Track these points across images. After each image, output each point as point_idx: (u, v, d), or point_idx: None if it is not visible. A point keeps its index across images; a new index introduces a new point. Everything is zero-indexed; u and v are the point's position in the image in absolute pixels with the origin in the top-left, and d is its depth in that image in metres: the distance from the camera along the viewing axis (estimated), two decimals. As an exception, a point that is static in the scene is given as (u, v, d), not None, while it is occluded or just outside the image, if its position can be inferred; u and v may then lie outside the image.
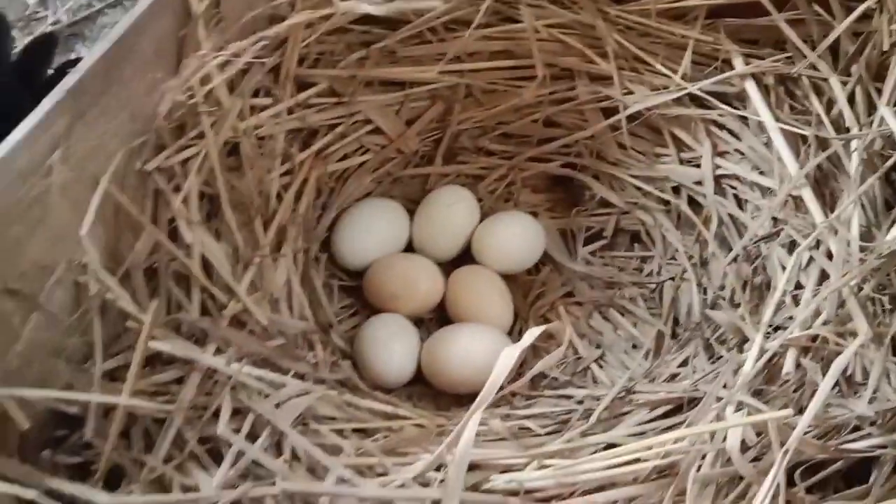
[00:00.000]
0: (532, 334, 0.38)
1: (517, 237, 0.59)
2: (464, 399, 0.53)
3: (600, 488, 0.38)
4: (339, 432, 0.42)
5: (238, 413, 0.41)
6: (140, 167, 0.45)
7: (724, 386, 0.42)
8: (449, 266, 0.60)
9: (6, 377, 0.36)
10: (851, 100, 0.51)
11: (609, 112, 0.59)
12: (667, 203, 0.58)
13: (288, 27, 0.46)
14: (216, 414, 0.40)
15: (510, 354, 0.37)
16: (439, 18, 0.56)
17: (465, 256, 0.60)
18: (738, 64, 0.55)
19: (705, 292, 0.53)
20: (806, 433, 0.37)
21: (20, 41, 0.75)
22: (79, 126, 0.40)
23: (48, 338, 0.39)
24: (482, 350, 0.52)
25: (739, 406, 0.39)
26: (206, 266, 0.47)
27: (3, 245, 0.37)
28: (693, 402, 0.43)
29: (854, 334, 0.41)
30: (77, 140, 0.40)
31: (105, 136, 0.42)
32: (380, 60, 0.57)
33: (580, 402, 0.47)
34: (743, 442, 0.38)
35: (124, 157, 0.43)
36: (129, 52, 0.43)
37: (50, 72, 0.65)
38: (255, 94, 0.52)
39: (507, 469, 0.39)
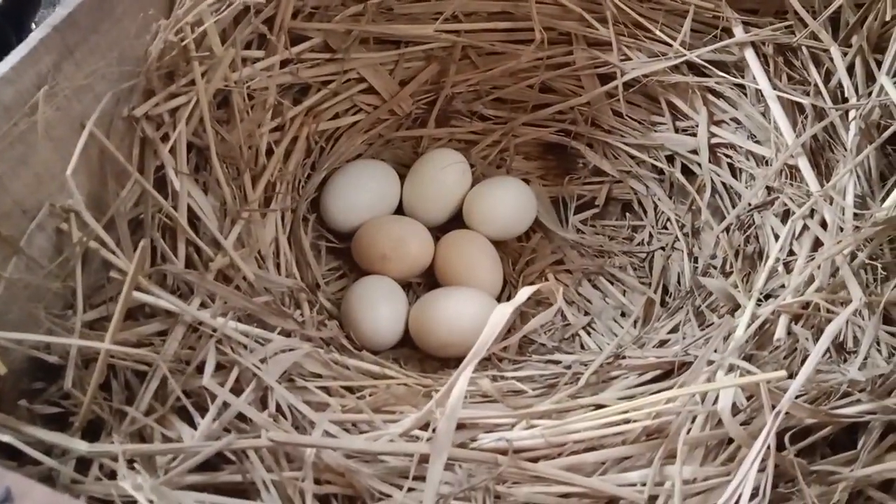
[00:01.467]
0: (525, 293, 0.37)
1: (508, 203, 0.58)
2: (450, 362, 0.52)
3: (590, 449, 0.38)
4: (326, 389, 0.42)
5: (222, 368, 0.40)
6: (128, 113, 0.43)
7: (716, 351, 0.42)
8: (439, 231, 0.59)
9: (-16, 320, 0.35)
10: (851, 70, 0.51)
11: (606, 79, 0.59)
12: (660, 172, 0.58)
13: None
14: (200, 368, 0.39)
15: (502, 311, 0.36)
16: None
17: (456, 221, 0.60)
18: (738, 32, 0.54)
19: (696, 262, 0.53)
20: (797, 397, 0.36)
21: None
22: (66, 64, 0.39)
23: (28, 283, 0.38)
24: (470, 314, 0.51)
25: (731, 369, 0.39)
26: (193, 219, 0.46)
27: (-17, 184, 0.36)
28: (683, 366, 0.42)
29: (846, 302, 0.41)
30: (64, 78, 0.39)
31: (93, 77, 0.41)
32: (376, 17, 0.56)
33: (568, 367, 0.47)
34: (734, 405, 0.38)
35: (112, 100, 0.42)
36: (120, -9, 0.42)
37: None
38: (248, 45, 0.51)
39: (495, 429, 0.39)
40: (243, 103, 0.49)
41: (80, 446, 0.33)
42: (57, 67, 0.38)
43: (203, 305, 0.43)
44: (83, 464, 0.34)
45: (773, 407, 0.35)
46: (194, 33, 0.43)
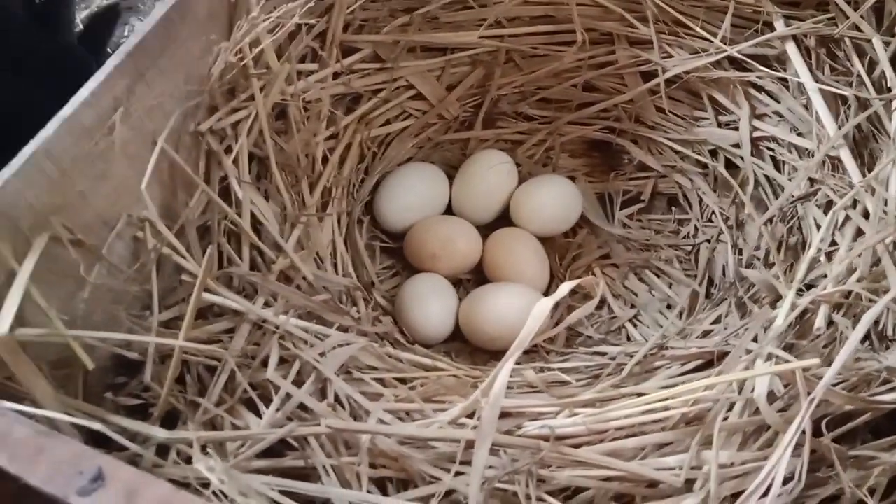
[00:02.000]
0: (566, 287, 0.39)
1: (554, 200, 0.60)
2: (499, 355, 0.54)
3: (630, 435, 0.39)
4: (380, 381, 0.44)
5: (285, 362, 0.43)
6: (194, 128, 0.47)
7: (755, 339, 0.43)
8: (487, 229, 0.61)
9: (73, 321, 0.39)
10: (895, 60, 0.51)
11: (648, 76, 0.60)
12: (704, 166, 0.58)
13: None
14: (264, 362, 0.42)
15: (544, 305, 0.38)
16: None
17: (504, 219, 0.62)
18: (779, 26, 0.54)
19: (740, 253, 0.54)
20: (834, 385, 0.37)
21: (77, 14, 0.79)
22: (139, 86, 0.43)
23: (110, 287, 0.42)
24: (518, 308, 0.53)
25: (768, 358, 0.40)
26: (256, 224, 0.49)
27: (70, 198, 0.40)
28: (723, 356, 0.43)
29: (887, 291, 0.42)
30: (137, 99, 0.43)
31: (162, 97, 0.45)
32: (422, 26, 0.58)
33: (613, 359, 0.48)
34: (771, 393, 0.39)
35: (180, 117, 0.45)
36: (185, 14, 0.45)
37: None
38: (302, 59, 0.54)
39: (539, 417, 0.41)
40: (299, 114, 0.52)
41: (160, 433, 0.36)
42: (130, 90, 0.42)
43: (266, 305, 0.46)
44: (162, 449, 0.37)
45: (810, 394, 0.36)
46: (252, 52, 0.47)
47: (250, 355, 0.43)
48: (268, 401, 0.41)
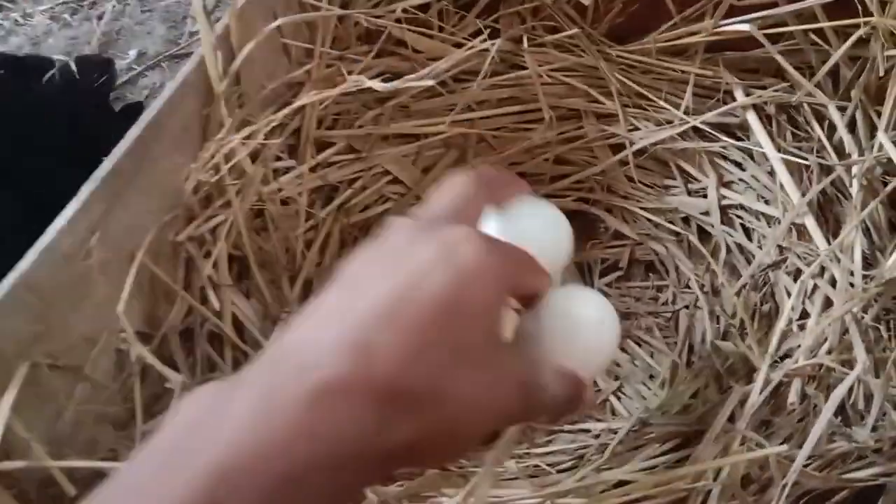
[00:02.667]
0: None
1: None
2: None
3: (612, 525, 0.40)
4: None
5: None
6: (172, 238, 0.48)
7: (733, 416, 0.44)
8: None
9: (57, 443, 0.40)
10: (853, 124, 0.52)
11: (617, 147, 0.61)
12: (678, 234, 0.59)
13: (304, 103, 0.49)
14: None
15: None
16: (448, 72, 0.58)
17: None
18: (739, 95, 0.56)
19: (718, 321, 0.55)
20: (807, 465, 0.38)
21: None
22: (116, 208, 0.44)
23: (94, 404, 0.43)
24: None
25: (743, 440, 0.40)
26: (238, 325, 0.50)
27: (52, 323, 0.41)
28: (701, 434, 0.44)
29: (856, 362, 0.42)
30: (114, 221, 0.44)
31: (139, 215, 0.46)
32: (394, 115, 0.60)
33: (597, 437, 0.49)
34: (748, 476, 0.39)
35: (157, 231, 0.47)
36: (159, 134, 0.47)
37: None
38: (278, 158, 0.56)
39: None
40: (277, 213, 0.54)
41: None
42: (107, 213, 0.44)
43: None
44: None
45: (784, 477, 0.37)
46: (227, 165, 0.48)
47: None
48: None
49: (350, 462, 0.25)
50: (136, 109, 0.79)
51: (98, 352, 0.44)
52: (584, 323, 0.35)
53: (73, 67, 0.79)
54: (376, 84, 0.44)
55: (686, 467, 0.39)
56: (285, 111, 0.45)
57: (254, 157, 0.53)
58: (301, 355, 0.26)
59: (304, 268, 0.55)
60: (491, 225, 0.36)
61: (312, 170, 0.57)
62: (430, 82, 0.46)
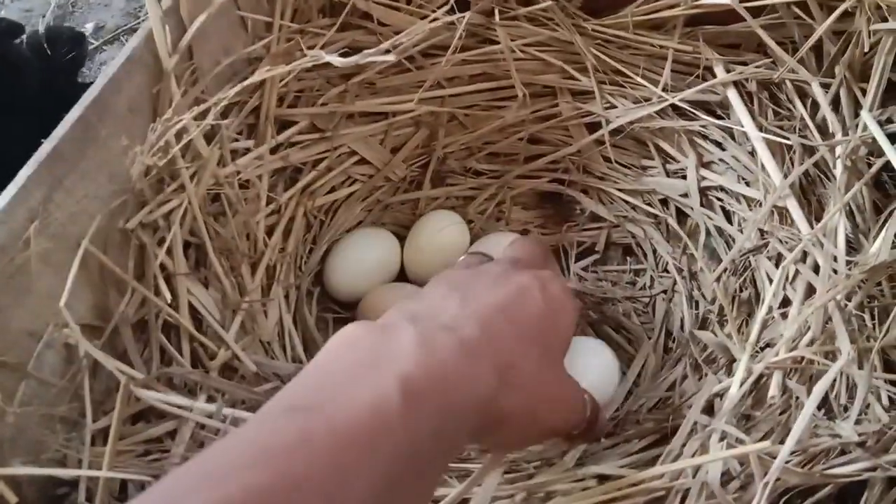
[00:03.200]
0: None
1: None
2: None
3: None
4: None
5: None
6: (123, 225, 0.45)
7: (711, 409, 0.42)
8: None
9: (-1, 448, 0.37)
10: (837, 102, 0.50)
11: (593, 126, 0.59)
12: (655, 216, 0.58)
13: (262, 77, 0.46)
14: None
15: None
16: (416, 47, 0.56)
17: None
18: (720, 72, 0.54)
19: (697, 306, 0.53)
20: (789, 461, 0.36)
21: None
22: (57, 194, 0.41)
23: (40, 404, 0.40)
24: None
25: (723, 435, 0.39)
26: (196, 315, 0.48)
27: (-12, 319, 0.38)
28: (677, 429, 0.42)
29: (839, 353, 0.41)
30: (56, 208, 0.41)
31: (85, 200, 0.43)
32: (360, 93, 0.57)
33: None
34: (728, 472, 0.38)
35: (105, 218, 0.44)
36: (104, 113, 0.44)
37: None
38: (238, 135, 0.53)
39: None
40: (236, 196, 0.51)
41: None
42: (48, 198, 0.41)
43: (211, 399, 0.44)
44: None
45: (765, 474, 0.35)
46: (180, 143, 0.45)
47: (193, 460, 0.42)
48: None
49: (474, 415, 0.31)
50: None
51: (43, 347, 0.41)
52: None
53: (43, 37, 0.74)
54: (335, 59, 0.41)
55: (664, 465, 0.38)
56: (237, 87, 0.42)
57: (210, 138, 0.50)
58: (440, 318, 0.33)
59: (265, 254, 0.53)
60: None
61: (273, 150, 0.55)
62: (392, 58, 0.43)
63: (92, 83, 0.43)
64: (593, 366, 0.51)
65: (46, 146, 0.40)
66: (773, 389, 0.41)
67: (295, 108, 0.55)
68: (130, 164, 0.42)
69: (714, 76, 0.54)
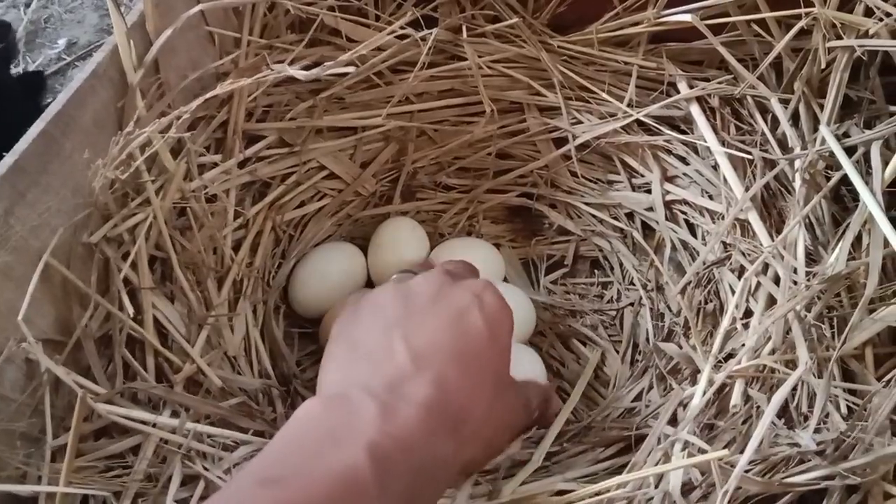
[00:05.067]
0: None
1: (473, 260, 0.59)
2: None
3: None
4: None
5: (193, 479, 0.41)
6: (86, 239, 0.45)
7: (675, 419, 0.43)
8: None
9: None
10: (796, 117, 0.51)
11: (560, 142, 0.60)
12: (622, 230, 0.58)
13: (230, 89, 0.46)
14: (167, 485, 0.40)
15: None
16: (385, 62, 0.56)
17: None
18: (683, 88, 0.55)
19: (663, 318, 0.53)
20: (749, 470, 0.37)
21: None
22: (18, 208, 0.41)
23: (0, 420, 0.40)
24: None
25: (685, 445, 0.39)
26: (161, 329, 0.47)
27: (-53, 334, 0.38)
28: (644, 438, 0.43)
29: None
30: (17, 221, 0.41)
31: (48, 214, 0.43)
32: (329, 108, 0.57)
33: (536, 442, 0.47)
34: (690, 481, 0.38)
35: (67, 231, 0.44)
36: (67, 128, 0.44)
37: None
38: (206, 149, 0.53)
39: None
40: (203, 210, 0.51)
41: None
42: (9, 212, 0.40)
43: (175, 414, 0.44)
44: None
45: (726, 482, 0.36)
46: (143, 155, 0.45)
47: (156, 476, 0.41)
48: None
49: (441, 470, 0.34)
50: (35, 79, 0.74)
51: (2, 362, 0.41)
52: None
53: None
54: (298, 72, 0.41)
55: (626, 474, 0.38)
56: (201, 99, 0.42)
57: (176, 153, 0.50)
58: (393, 381, 0.35)
59: (232, 269, 0.53)
60: None
61: (241, 165, 0.55)
62: (351, 69, 0.43)
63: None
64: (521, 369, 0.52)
65: (8, 160, 0.40)
66: (736, 398, 0.41)
67: (263, 122, 0.55)
68: (93, 177, 0.42)
69: (678, 92, 0.55)
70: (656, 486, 0.37)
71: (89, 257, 0.46)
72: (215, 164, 0.53)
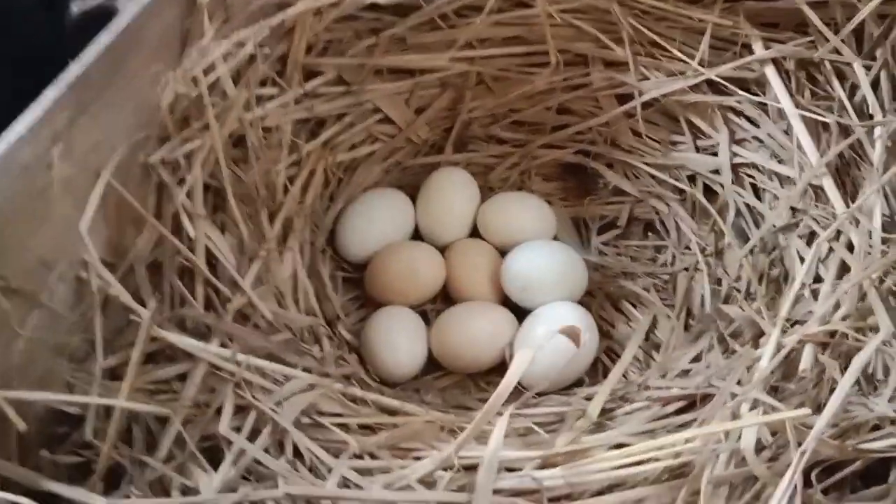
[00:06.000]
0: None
1: (524, 215, 0.58)
2: (471, 391, 0.53)
3: (610, 489, 0.37)
4: (345, 427, 0.42)
5: (242, 410, 0.40)
6: (144, 160, 0.44)
7: (739, 382, 0.41)
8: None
9: (7, 375, 0.36)
10: (876, 85, 0.50)
11: (624, 98, 0.58)
12: (681, 192, 0.57)
13: (295, 14, 0.45)
14: (219, 411, 0.39)
15: (525, 356, 0.37)
16: (450, 4, 0.54)
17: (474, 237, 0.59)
18: (758, 48, 0.53)
19: (720, 283, 0.52)
20: (823, 433, 0.35)
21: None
22: (82, 120, 0.40)
23: (50, 335, 0.39)
24: (486, 330, 0.53)
25: (755, 404, 0.38)
26: (211, 260, 0.46)
27: (6, 241, 0.37)
28: (706, 398, 0.42)
29: (874, 329, 0.40)
30: (79, 134, 0.40)
31: (109, 130, 0.42)
32: (389, 48, 0.56)
33: (588, 399, 0.46)
34: (759, 441, 0.37)
35: (127, 150, 0.42)
36: (135, 43, 0.42)
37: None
38: (262, 83, 0.52)
39: (511, 469, 0.39)
40: (258, 142, 0.49)
41: (98, 501, 0.33)
42: (72, 124, 0.39)
43: (223, 346, 0.43)
44: (105, 517, 0.34)
45: (800, 444, 0.34)
46: (207, 79, 0.44)
47: (204, 404, 0.40)
48: (222, 455, 0.38)
49: None
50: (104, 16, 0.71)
51: (56, 278, 0.40)
52: None
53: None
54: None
55: (695, 429, 0.37)
56: (276, 17, 0.41)
57: (236, 79, 0.48)
58: None
59: (284, 205, 0.51)
60: None
61: (298, 100, 0.53)
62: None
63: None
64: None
65: (75, 69, 0.39)
66: (805, 363, 0.40)
67: (323, 58, 0.53)
68: (162, 89, 0.40)
69: (751, 53, 0.53)
70: (725, 441, 0.36)
71: (145, 180, 0.45)
72: (272, 97, 0.52)
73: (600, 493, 0.37)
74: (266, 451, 0.38)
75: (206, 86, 0.45)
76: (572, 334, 0.41)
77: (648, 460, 0.37)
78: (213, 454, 0.38)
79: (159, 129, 0.44)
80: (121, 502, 0.34)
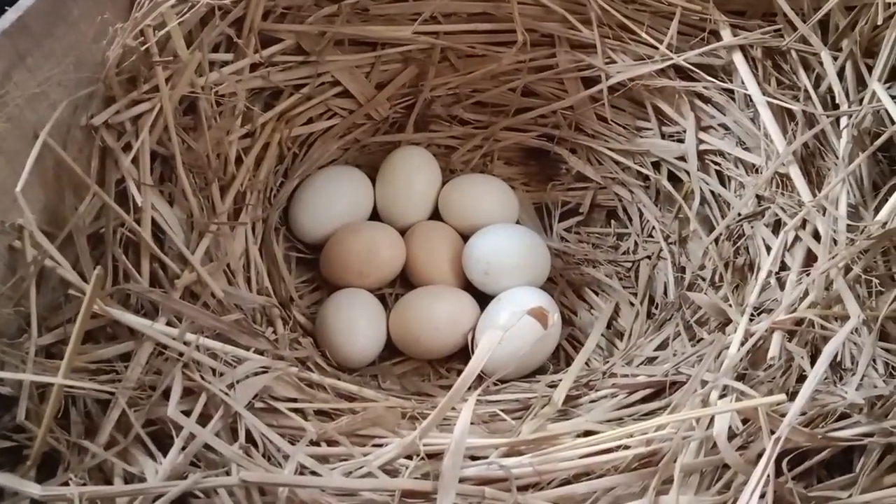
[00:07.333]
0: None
1: (487, 198, 0.57)
2: (430, 378, 0.51)
3: (578, 476, 0.36)
4: (301, 413, 0.39)
5: (191, 393, 0.38)
6: (86, 122, 0.41)
7: (709, 370, 0.41)
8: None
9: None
10: (841, 75, 0.50)
11: (590, 82, 0.57)
12: (646, 178, 0.56)
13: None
14: (166, 394, 0.36)
15: (492, 337, 0.35)
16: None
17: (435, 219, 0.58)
18: (726, 35, 0.52)
19: (684, 272, 0.51)
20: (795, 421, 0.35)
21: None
22: (17, 71, 0.36)
23: (-23, 310, 0.35)
24: (447, 314, 0.52)
25: (725, 391, 0.37)
26: (158, 233, 0.43)
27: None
28: (674, 385, 0.41)
29: (842, 318, 0.40)
30: (15, 87, 0.36)
31: (48, 84, 0.38)
32: (351, 18, 0.53)
33: (552, 386, 0.45)
34: (729, 429, 0.36)
35: (68, 108, 0.39)
36: (77, -8, 0.39)
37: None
38: (216, 47, 0.49)
39: (475, 457, 0.37)
40: (211, 109, 0.46)
41: (32, 489, 0.30)
42: (7, 75, 0.36)
43: (170, 325, 0.40)
44: (37, 506, 0.31)
45: (772, 432, 0.34)
46: (156, 36, 0.41)
47: (149, 386, 0.37)
48: (169, 440, 0.35)
49: None
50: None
51: (-15, 247, 0.36)
52: None
53: None
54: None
55: (666, 416, 0.36)
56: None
57: (189, 41, 0.45)
58: None
59: (237, 178, 0.49)
60: None
61: (254, 68, 0.50)
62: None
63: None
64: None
65: (10, 15, 0.36)
66: (774, 350, 0.40)
67: (281, 24, 0.51)
68: (109, 42, 0.37)
69: (719, 40, 0.53)
70: (696, 428, 0.35)
71: (87, 143, 0.41)
72: (226, 63, 0.49)
73: (568, 481, 0.35)
74: (217, 436, 0.35)
75: (157, 43, 0.41)
76: (540, 316, 0.39)
77: (618, 448, 0.36)
78: (160, 439, 0.35)
79: (104, 87, 0.40)
80: (57, 490, 0.31)
